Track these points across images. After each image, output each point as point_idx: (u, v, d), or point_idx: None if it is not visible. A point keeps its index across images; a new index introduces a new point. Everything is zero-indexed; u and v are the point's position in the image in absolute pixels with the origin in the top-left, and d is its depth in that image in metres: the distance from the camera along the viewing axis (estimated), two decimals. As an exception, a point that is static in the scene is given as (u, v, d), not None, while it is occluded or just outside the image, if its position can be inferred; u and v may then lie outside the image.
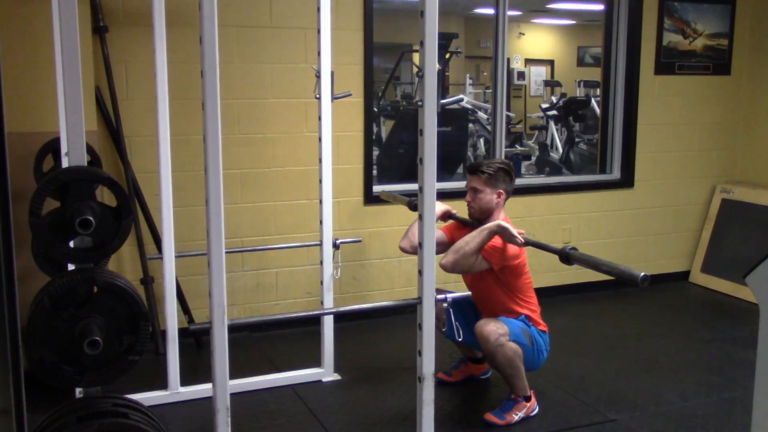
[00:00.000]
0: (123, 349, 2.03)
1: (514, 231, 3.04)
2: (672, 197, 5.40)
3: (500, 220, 3.19)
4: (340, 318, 3.96)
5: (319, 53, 3.41)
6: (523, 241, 3.03)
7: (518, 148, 8.43)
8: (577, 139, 7.82)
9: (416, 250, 2.39)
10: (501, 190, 3.28)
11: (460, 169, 6.31)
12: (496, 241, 3.11)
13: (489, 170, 3.27)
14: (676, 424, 3.23)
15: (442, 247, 3.24)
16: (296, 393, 3.52)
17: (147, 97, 3.60)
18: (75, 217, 1.93)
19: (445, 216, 3.44)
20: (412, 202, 3.35)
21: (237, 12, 4.03)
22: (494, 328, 3.08)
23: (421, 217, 2.34)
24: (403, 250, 3.40)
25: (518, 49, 10.44)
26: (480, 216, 3.29)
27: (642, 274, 2.43)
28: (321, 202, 3.54)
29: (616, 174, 5.30)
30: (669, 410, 3.37)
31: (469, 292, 2.75)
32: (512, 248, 3.14)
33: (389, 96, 8.38)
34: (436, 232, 3.23)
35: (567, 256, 2.64)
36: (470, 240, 3.10)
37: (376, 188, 4.55)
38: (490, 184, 3.27)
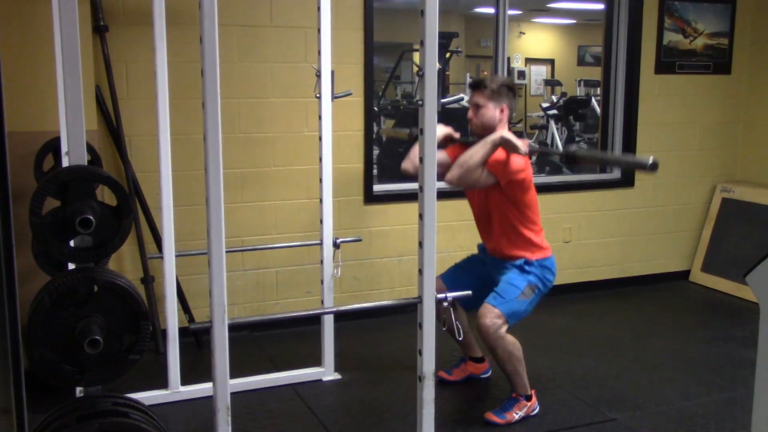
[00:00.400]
0: (123, 348, 2.03)
1: (517, 141, 3.02)
2: (672, 196, 5.40)
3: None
4: (340, 317, 3.96)
5: (319, 52, 3.41)
6: (527, 150, 3.02)
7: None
8: (577, 139, 7.82)
9: (417, 171, 2.35)
10: (504, 106, 3.25)
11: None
12: (500, 154, 3.09)
13: (492, 85, 3.24)
14: (677, 423, 3.23)
15: (446, 169, 3.20)
16: (296, 392, 3.53)
17: (147, 97, 3.60)
18: (75, 217, 1.93)
19: (447, 140, 3.40)
20: (413, 132, 3.34)
21: (237, 11, 4.02)
22: (491, 321, 3.07)
23: (421, 216, 2.33)
24: (405, 171, 3.32)
25: (518, 48, 10.45)
26: (482, 133, 3.24)
27: (651, 158, 2.40)
28: (321, 201, 3.54)
29: (616, 173, 5.30)
30: (669, 409, 3.37)
31: (469, 292, 2.74)
32: (516, 162, 3.11)
33: (389, 95, 8.39)
34: (440, 154, 3.24)
35: (572, 156, 2.62)
36: (474, 153, 3.08)
37: (377, 187, 4.56)
38: (493, 100, 3.23)
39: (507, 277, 3.21)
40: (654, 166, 2.39)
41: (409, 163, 3.31)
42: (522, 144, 3.04)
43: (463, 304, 3.35)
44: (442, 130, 3.33)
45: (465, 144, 3.35)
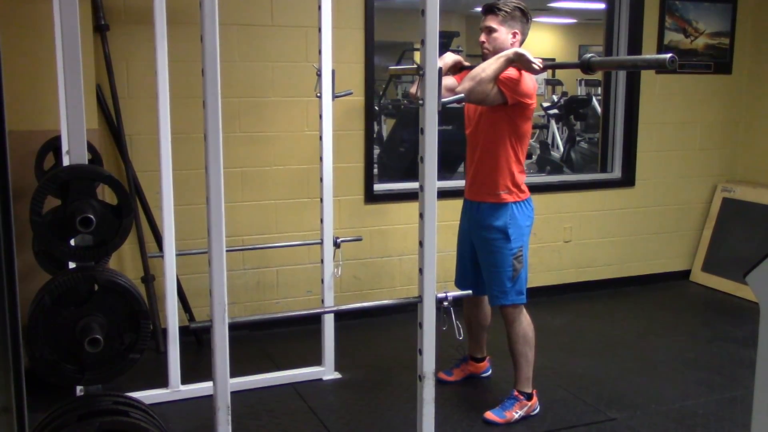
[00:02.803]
0: (124, 347, 2.03)
1: (532, 57, 2.98)
2: (673, 196, 5.40)
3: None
4: (340, 316, 3.96)
5: (320, 52, 3.41)
6: (541, 66, 2.98)
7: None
8: (578, 138, 7.82)
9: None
10: (516, 30, 3.18)
11: (461, 168, 6.30)
12: (512, 72, 3.05)
13: (506, 8, 3.17)
14: (677, 423, 3.23)
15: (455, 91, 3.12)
16: (297, 391, 3.53)
17: (148, 96, 3.61)
18: (76, 216, 1.93)
19: (457, 66, 3.32)
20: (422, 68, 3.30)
21: (238, 10, 4.02)
22: (509, 311, 3.21)
23: (421, 216, 2.33)
24: (411, 95, 3.23)
25: (519, 47, 10.43)
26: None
27: (669, 55, 2.41)
28: (322, 200, 3.54)
29: (617, 173, 5.30)
30: (669, 409, 3.37)
31: (470, 291, 2.74)
32: (526, 84, 3.08)
33: (390, 94, 8.37)
34: (449, 79, 3.22)
35: (588, 64, 2.62)
36: (487, 66, 3.02)
37: (377, 187, 4.56)
38: (506, 23, 3.17)
39: (492, 261, 3.21)
40: (673, 62, 2.40)
41: (416, 87, 3.25)
42: (537, 60, 2.98)
43: (475, 292, 3.33)
44: (451, 57, 3.29)
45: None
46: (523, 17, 3.20)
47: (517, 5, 3.19)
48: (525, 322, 3.23)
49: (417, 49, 2.66)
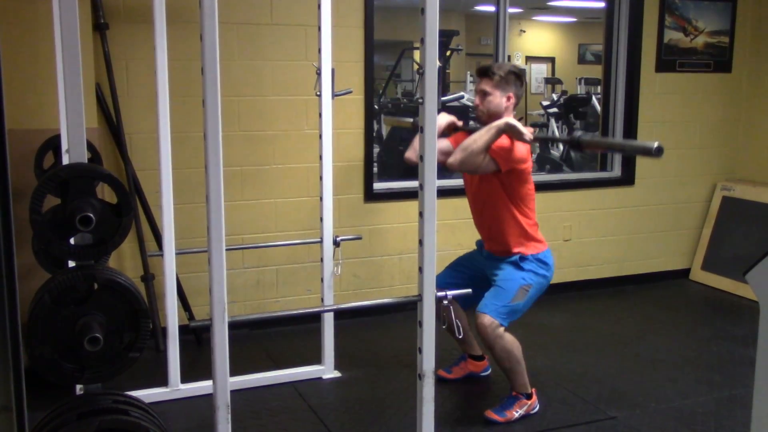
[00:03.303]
0: (123, 346, 2.04)
1: (523, 128, 3.01)
2: (673, 195, 5.40)
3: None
4: (340, 315, 3.96)
5: (319, 50, 3.41)
6: (532, 137, 3.00)
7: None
8: (578, 137, 7.80)
9: None
10: (510, 94, 3.22)
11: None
12: (504, 141, 3.07)
13: (500, 72, 3.20)
14: (676, 421, 3.23)
15: (449, 156, 3.16)
16: (296, 390, 3.53)
17: (147, 94, 3.60)
18: (75, 214, 1.93)
19: (450, 128, 3.36)
20: (416, 122, 3.34)
21: (237, 9, 4.02)
22: (489, 321, 3.07)
23: (421, 215, 2.33)
24: (408, 160, 3.30)
25: (519, 46, 10.43)
26: (488, 121, 3.20)
27: (656, 144, 2.41)
28: (321, 199, 3.54)
29: (616, 171, 5.30)
30: (669, 408, 3.37)
31: (469, 290, 2.74)
32: (519, 151, 3.10)
33: (390, 93, 8.37)
34: (443, 142, 3.24)
35: (578, 143, 2.63)
36: (478, 138, 3.05)
37: (377, 185, 4.55)
38: (500, 87, 3.20)
39: (500, 278, 3.20)
40: (659, 151, 2.39)
41: (412, 153, 3.28)
42: (527, 131, 3.01)
43: (461, 303, 3.35)
44: (445, 118, 3.31)
45: (469, 132, 3.31)
46: (518, 80, 3.24)
47: (511, 69, 3.24)
48: (507, 339, 3.12)
49: (417, 48, 2.67)
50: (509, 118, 3.12)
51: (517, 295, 3.15)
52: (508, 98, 3.21)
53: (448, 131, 3.36)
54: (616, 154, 2.56)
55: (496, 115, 3.19)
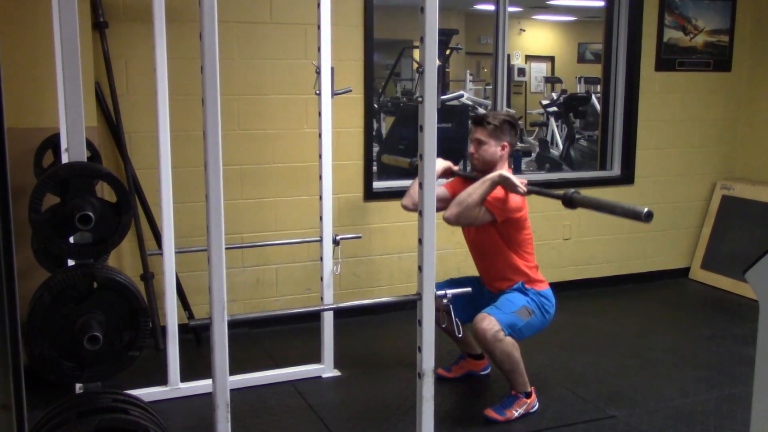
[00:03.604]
0: (123, 344, 2.04)
1: (516, 180, 3.03)
2: (672, 194, 5.40)
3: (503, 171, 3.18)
4: (339, 314, 3.96)
5: (319, 49, 3.41)
6: (525, 190, 3.03)
7: (518, 144, 8.41)
8: (577, 136, 7.81)
9: (417, 207, 2.37)
10: (505, 143, 3.27)
11: (460, 165, 6.30)
12: (499, 192, 3.10)
13: (494, 122, 3.25)
14: (676, 420, 3.24)
15: (445, 203, 3.20)
16: (296, 389, 3.53)
17: (147, 93, 3.60)
18: (75, 213, 1.93)
19: (447, 173, 3.42)
20: (413, 162, 3.36)
21: (237, 8, 4.02)
22: (489, 326, 3.07)
23: (421, 213, 2.33)
24: (404, 207, 3.38)
25: (519, 45, 10.42)
26: (483, 168, 3.26)
27: (645, 210, 2.44)
28: (321, 198, 3.54)
29: (616, 170, 5.30)
30: (668, 407, 3.37)
31: (469, 288, 2.74)
32: (514, 201, 3.13)
33: (389, 92, 8.37)
34: (439, 189, 3.26)
35: (570, 200, 2.65)
36: (473, 191, 3.08)
37: (377, 184, 4.55)
38: (495, 136, 3.25)
39: (504, 297, 3.22)
40: (648, 216, 2.44)
41: (408, 200, 3.37)
42: (521, 183, 3.04)
43: (458, 316, 3.34)
44: (441, 164, 3.34)
45: (464, 177, 3.38)
46: (512, 129, 3.30)
47: (505, 118, 3.30)
48: (506, 342, 3.10)
49: (416, 47, 2.67)
50: (503, 171, 3.14)
51: (521, 311, 3.17)
52: (503, 147, 3.27)
53: (444, 176, 3.42)
54: (606, 212, 2.64)
55: (492, 164, 3.26)
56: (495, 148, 3.25)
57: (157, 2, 3.14)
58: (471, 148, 3.32)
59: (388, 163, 4.04)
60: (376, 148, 5.17)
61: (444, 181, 3.48)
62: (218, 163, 2.13)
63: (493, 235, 3.23)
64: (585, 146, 7.60)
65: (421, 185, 2.32)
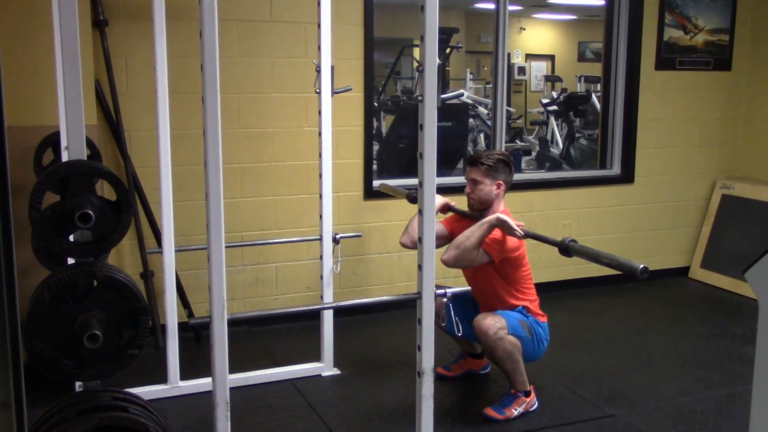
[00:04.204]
0: (123, 343, 2.04)
1: (513, 224, 3.05)
2: (672, 193, 5.40)
3: (500, 211, 3.21)
4: (339, 313, 3.96)
5: (319, 48, 3.41)
6: (522, 233, 3.04)
7: (518, 143, 8.41)
8: (577, 135, 7.81)
9: (416, 245, 2.39)
10: (500, 181, 3.29)
11: (461, 164, 6.30)
12: (496, 233, 3.12)
13: (489, 161, 3.29)
14: (675, 419, 3.24)
15: (442, 240, 3.26)
16: (296, 387, 3.53)
17: (147, 92, 3.60)
18: (75, 211, 1.93)
19: (444, 209, 3.45)
20: (411, 194, 3.36)
21: (237, 6, 4.02)
22: (492, 322, 3.08)
23: (420, 212, 2.33)
24: (403, 245, 3.43)
25: (519, 44, 10.42)
26: (480, 207, 3.30)
27: (641, 266, 2.44)
28: (321, 196, 3.54)
29: (616, 169, 5.30)
30: (668, 406, 3.37)
31: (469, 287, 2.75)
32: (512, 241, 3.15)
33: (389, 91, 8.36)
34: (438, 225, 3.26)
35: (566, 249, 2.66)
36: (470, 235, 3.11)
37: (376, 183, 4.55)
38: (490, 176, 3.28)
39: (506, 312, 3.23)
40: (644, 272, 2.44)
41: (407, 238, 3.39)
42: (518, 227, 3.05)
43: (467, 334, 3.36)
44: (439, 200, 3.32)
45: (462, 214, 3.40)
46: (506, 167, 3.31)
47: (500, 157, 3.32)
48: (507, 341, 3.11)
49: (416, 45, 2.66)
50: (499, 214, 3.14)
51: (522, 323, 3.19)
52: (498, 186, 3.29)
53: (442, 212, 3.43)
54: (602, 264, 2.66)
55: (488, 202, 3.28)
56: (491, 187, 3.28)
57: (157, 0, 3.14)
58: (467, 188, 3.35)
59: (385, 191, 4.04)
60: (376, 147, 5.17)
61: (441, 216, 3.48)
62: (218, 161, 2.13)
63: (492, 274, 3.25)
64: (585, 145, 7.60)
65: (421, 184, 2.32)
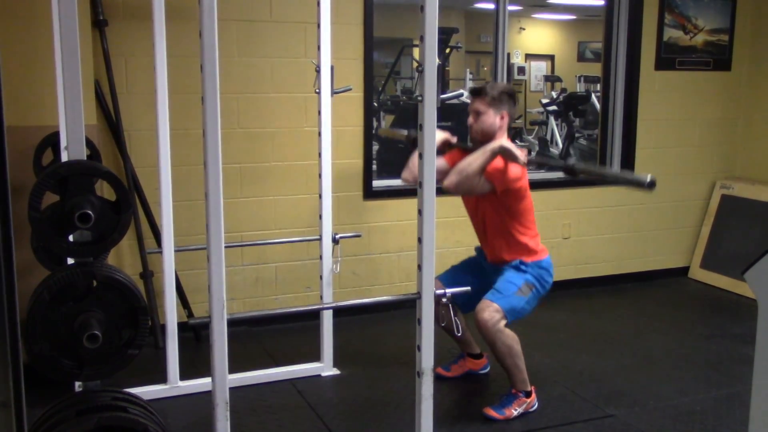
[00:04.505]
0: (122, 343, 2.04)
1: (517, 150, 3.03)
2: (672, 193, 5.40)
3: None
4: (339, 313, 3.96)
5: (318, 48, 3.41)
6: (525, 160, 3.02)
7: (518, 143, 8.42)
8: (577, 135, 7.81)
9: (417, 180, 2.36)
10: (504, 113, 3.25)
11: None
12: (498, 162, 3.10)
13: (493, 92, 3.24)
14: (675, 419, 3.24)
15: (443, 174, 3.18)
16: (295, 387, 3.53)
17: (147, 92, 3.60)
18: (74, 211, 1.93)
19: (445, 145, 3.40)
20: (411, 134, 3.34)
21: (237, 6, 4.02)
22: (490, 315, 3.08)
23: (420, 212, 2.33)
24: (404, 180, 3.37)
25: (518, 44, 10.42)
26: (482, 139, 3.24)
27: (649, 177, 2.44)
28: (320, 196, 3.54)
29: (616, 169, 5.30)
30: (667, 406, 3.37)
31: (468, 288, 2.74)
32: (514, 171, 3.12)
33: (389, 91, 8.36)
34: (438, 160, 3.23)
35: (572, 169, 2.66)
36: (473, 160, 3.08)
37: (376, 183, 4.55)
38: (494, 106, 3.23)
39: (504, 277, 3.23)
40: (652, 184, 2.43)
41: (408, 173, 3.35)
42: (521, 154, 3.04)
43: (461, 306, 3.36)
44: (440, 136, 3.33)
45: (463, 149, 3.36)
46: (510, 100, 3.28)
47: (503, 89, 3.28)
48: (507, 334, 3.13)
49: (416, 45, 2.67)
50: (503, 141, 3.14)
51: (522, 288, 3.18)
52: (502, 117, 3.25)
53: (443, 148, 3.40)
54: (610, 184, 2.63)
55: (490, 134, 3.23)
56: (494, 119, 3.23)
57: (157, 0, 3.14)
58: (470, 120, 3.29)
59: (386, 137, 4.02)
60: (375, 147, 5.16)
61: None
62: (218, 161, 2.13)
63: (494, 205, 3.22)
64: (584, 145, 7.60)
65: (420, 184, 2.32)
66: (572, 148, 7.52)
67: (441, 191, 2.45)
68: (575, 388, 3.55)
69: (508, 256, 3.27)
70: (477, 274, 3.41)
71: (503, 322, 3.10)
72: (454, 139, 3.43)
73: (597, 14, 7.65)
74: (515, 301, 3.15)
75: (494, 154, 3.08)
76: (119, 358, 2.03)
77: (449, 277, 3.39)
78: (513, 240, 3.25)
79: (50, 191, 1.99)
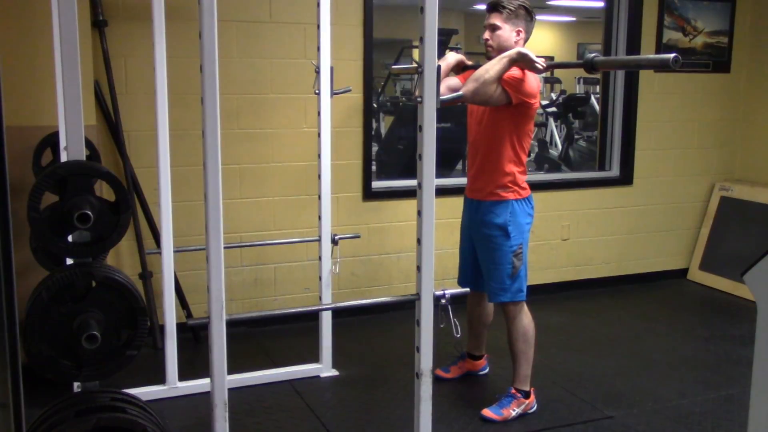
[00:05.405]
0: (121, 343, 2.03)
1: (535, 57, 2.97)
2: (671, 195, 5.40)
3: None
4: (338, 314, 3.95)
5: (318, 48, 3.41)
6: (544, 65, 2.98)
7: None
8: (576, 136, 7.81)
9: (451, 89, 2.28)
10: (521, 28, 3.17)
11: (459, 166, 6.31)
12: (516, 72, 3.04)
13: (510, 6, 3.15)
14: (674, 421, 3.24)
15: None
16: (294, 388, 3.53)
17: (146, 92, 3.60)
18: (73, 212, 1.93)
19: (460, 66, 3.33)
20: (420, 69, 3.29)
21: (236, 7, 4.02)
22: (510, 308, 3.22)
23: (419, 213, 2.33)
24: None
25: (518, 45, 10.43)
26: (497, 55, 3.11)
27: (673, 55, 2.41)
28: (320, 197, 3.54)
29: (615, 171, 5.30)
30: (666, 407, 3.37)
31: (467, 289, 2.74)
32: (530, 85, 3.07)
33: (389, 92, 8.36)
34: (453, 80, 3.24)
35: (592, 64, 2.65)
36: (490, 68, 3.00)
37: (375, 184, 4.55)
38: (510, 21, 3.15)
39: (492, 258, 3.21)
40: (676, 62, 2.39)
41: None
42: (540, 60, 2.96)
43: (475, 289, 3.36)
44: (454, 57, 3.31)
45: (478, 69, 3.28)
46: (527, 15, 3.18)
47: (521, 3, 3.17)
48: (526, 320, 3.22)
49: (416, 47, 2.67)
50: (520, 48, 3.05)
51: (513, 262, 3.19)
52: (518, 33, 3.16)
53: (457, 69, 3.32)
54: (632, 70, 2.55)
55: (506, 50, 3.10)
56: (510, 34, 3.14)
57: (157, 1, 3.14)
58: (485, 35, 3.18)
59: (395, 73, 3.97)
60: (375, 148, 5.17)
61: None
62: (217, 162, 2.13)
63: (502, 118, 3.12)
64: (584, 147, 7.60)
65: (420, 185, 2.32)
66: (571, 150, 7.52)
67: (440, 192, 2.44)
68: (574, 390, 3.55)
69: (491, 184, 3.19)
70: (472, 252, 3.39)
71: (520, 305, 3.21)
72: (470, 63, 3.33)
73: (596, 16, 7.65)
74: (516, 282, 3.19)
75: (512, 62, 3.00)
76: (118, 358, 2.03)
77: (463, 279, 3.47)
78: (503, 165, 3.16)
79: (49, 191, 1.99)
